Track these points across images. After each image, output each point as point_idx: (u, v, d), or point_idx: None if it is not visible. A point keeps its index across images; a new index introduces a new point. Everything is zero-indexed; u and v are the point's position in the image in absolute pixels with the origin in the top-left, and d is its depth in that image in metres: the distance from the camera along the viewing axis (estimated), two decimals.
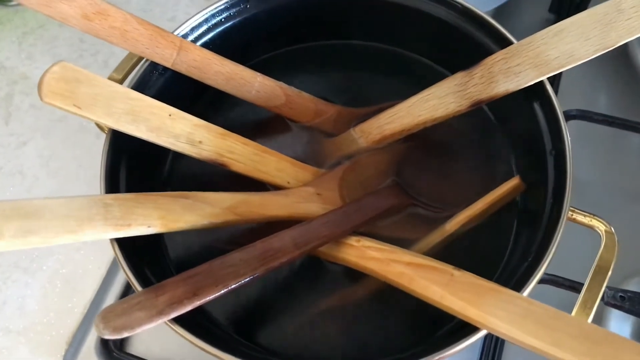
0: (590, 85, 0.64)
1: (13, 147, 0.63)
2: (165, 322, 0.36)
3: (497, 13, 0.63)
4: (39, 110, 0.65)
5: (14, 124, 0.65)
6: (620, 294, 0.47)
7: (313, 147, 0.48)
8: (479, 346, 0.50)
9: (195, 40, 0.47)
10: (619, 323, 0.52)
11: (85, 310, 0.54)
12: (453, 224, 0.43)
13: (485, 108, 0.48)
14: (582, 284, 0.38)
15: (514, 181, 0.43)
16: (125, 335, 0.34)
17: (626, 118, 0.55)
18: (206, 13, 0.46)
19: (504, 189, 0.43)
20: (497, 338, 0.50)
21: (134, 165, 0.44)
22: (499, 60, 0.41)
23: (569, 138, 0.40)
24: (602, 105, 0.63)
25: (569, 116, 0.54)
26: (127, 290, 0.55)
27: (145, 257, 0.41)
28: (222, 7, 0.47)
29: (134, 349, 0.52)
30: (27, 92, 0.67)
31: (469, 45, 0.46)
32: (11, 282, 0.56)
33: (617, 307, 0.47)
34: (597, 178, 0.57)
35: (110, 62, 0.68)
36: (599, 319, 0.50)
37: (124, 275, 0.53)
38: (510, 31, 0.44)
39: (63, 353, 0.53)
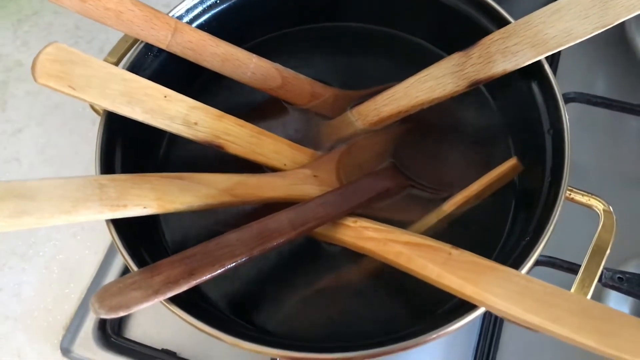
0: (588, 69, 0.63)
1: (9, 134, 0.63)
2: (161, 302, 0.36)
3: None
4: (34, 98, 0.65)
5: (9, 111, 0.64)
6: (618, 275, 0.47)
7: (310, 129, 0.48)
8: (476, 331, 0.50)
9: (190, 22, 0.46)
10: (617, 305, 0.52)
11: (83, 296, 0.54)
12: (450, 205, 0.42)
13: (483, 88, 0.47)
14: (580, 265, 0.38)
15: (511, 162, 0.43)
16: (121, 314, 0.34)
17: (624, 100, 0.55)
18: None
19: (501, 169, 0.43)
20: (495, 323, 0.50)
21: (129, 147, 0.44)
22: (496, 40, 0.41)
23: (567, 117, 0.40)
24: (600, 88, 0.62)
25: (567, 99, 0.54)
26: (125, 274, 0.55)
27: (142, 239, 0.41)
28: None
29: (132, 333, 0.52)
30: (22, 79, 0.66)
31: (466, 25, 0.45)
32: (8, 268, 0.56)
33: (615, 288, 0.47)
34: (595, 161, 0.57)
35: (105, 48, 0.67)
36: (597, 300, 0.50)
37: (121, 259, 0.53)
38: (508, 11, 0.44)
39: (60, 338, 0.53)
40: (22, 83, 0.66)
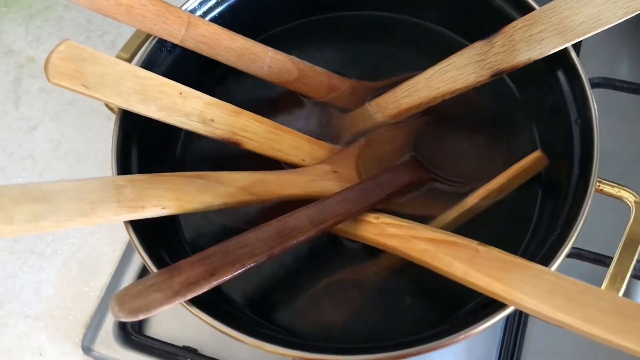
0: (611, 52, 0.62)
1: (23, 131, 0.63)
2: (181, 304, 0.35)
3: None
4: (48, 94, 0.64)
5: (23, 108, 0.64)
6: None
7: (327, 123, 0.47)
8: (500, 326, 0.49)
9: (203, 15, 0.45)
10: None
11: (102, 294, 0.54)
12: (473, 198, 0.41)
13: (506, 78, 0.46)
14: (610, 258, 0.37)
15: (536, 154, 0.42)
16: (141, 317, 0.34)
17: None
18: None
19: (525, 162, 0.42)
20: (520, 317, 0.49)
21: (145, 145, 0.43)
22: (520, 28, 0.40)
23: (595, 106, 0.38)
24: (624, 72, 0.61)
25: (592, 84, 0.52)
26: (144, 272, 0.54)
27: (160, 239, 0.41)
28: None
29: (153, 331, 0.52)
30: (35, 76, 0.66)
31: (487, 12, 0.44)
32: (27, 267, 0.56)
33: None
34: (621, 147, 0.56)
35: (117, 42, 0.67)
36: (627, 293, 0.49)
37: (140, 258, 0.53)
38: None
39: (81, 337, 0.53)
40: (35, 80, 0.66)
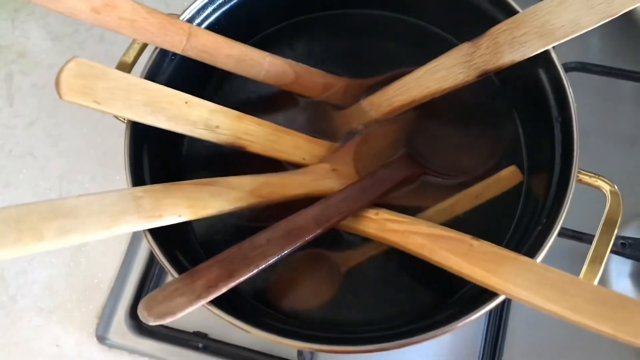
0: (583, 35, 0.64)
1: (21, 128, 0.64)
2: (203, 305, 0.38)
3: None
4: (41, 90, 0.65)
5: (18, 105, 0.65)
6: (621, 241, 0.50)
7: (324, 120, 0.49)
8: (483, 322, 0.52)
9: (202, 22, 0.47)
10: (619, 265, 0.55)
11: (112, 285, 0.57)
12: (450, 201, 0.46)
13: (492, 75, 0.48)
14: (588, 234, 0.39)
15: (511, 169, 0.46)
16: (168, 320, 0.37)
17: (622, 68, 0.56)
18: None
19: (500, 175, 0.46)
20: (502, 312, 0.52)
21: (154, 150, 0.45)
22: (504, 31, 0.42)
23: (574, 105, 0.41)
24: (595, 52, 0.63)
25: (567, 68, 0.55)
26: (151, 262, 0.57)
27: (175, 240, 0.43)
28: None
29: None
30: (26, 72, 0.66)
31: (474, 12, 0.46)
32: (36, 262, 0.58)
33: (619, 253, 0.50)
34: (594, 126, 0.59)
35: (106, 36, 0.67)
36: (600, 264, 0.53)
37: (146, 247, 0.55)
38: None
39: (95, 327, 0.55)
40: (26, 75, 0.66)
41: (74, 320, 0.56)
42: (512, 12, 0.44)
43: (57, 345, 0.55)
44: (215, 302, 0.39)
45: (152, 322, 0.37)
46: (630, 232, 0.54)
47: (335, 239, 0.46)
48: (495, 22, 0.43)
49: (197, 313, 0.54)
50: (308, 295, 0.46)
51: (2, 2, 0.70)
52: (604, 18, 0.39)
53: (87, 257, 0.58)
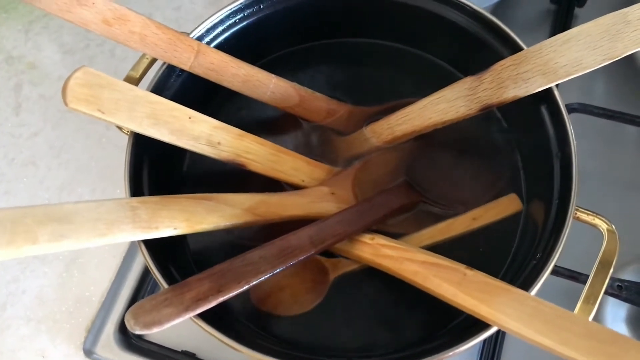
0: (587, 76, 0.65)
1: (25, 137, 0.64)
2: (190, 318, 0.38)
3: (501, 3, 0.64)
4: (48, 101, 0.66)
5: (24, 114, 0.66)
6: (617, 283, 0.50)
7: (325, 145, 0.50)
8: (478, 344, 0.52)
9: (211, 41, 0.48)
10: (615, 308, 0.54)
11: (103, 299, 0.56)
12: (447, 223, 0.46)
13: (495, 109, 0.49)
14: (583, 274, 0.40)
15: (510, 197, 0.46)
16: (154, 330, 0.36)
17: (624, 111, 0.57)
18: (221, 14, 0.47)
19: (500, 202, 0.46)
20: (497, 337, 0.52)
21: (155, 163, 0.45)
22: (508, 67, 0.43)
23: (575, 142, 0.41)
24: (599, 94, 0.64)
25: (570, 109, 0.56)
26: (144, 278, 0.57)
27: (169, 253, 0.43)
28: (237, 8, 0.48)
29: (152, 335, 0.54)
30: (35, 83, 0.67)
31: (478, 46, 0.47)
32: (29, 272, 0.58)
33: (615, 296, 0.49)
34: (595, 168, 0.59)
35: (116, 52, 0.68)
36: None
37: (141, 262, 0.55)
38: (513, 22, 0.45)
39: (82, 340, 0.55)
40: (35, 86, 0.67)
41: (62, 331, 0.56)
42: (517, 48, 0.44)
43: (42, 357, 0.55)
44: (204, 318, 0.39)
45: (139, 331, 0.36)
46: (627, 275, 0.54)
47: None
48: (499, 57, 0.44)
49: (186, 332, 0.55)
50: (294, 299, 0.46)
51: (17, 14, 0.71)
52: (607, 59, 0.40)
53: (80, 269, 0.58)
